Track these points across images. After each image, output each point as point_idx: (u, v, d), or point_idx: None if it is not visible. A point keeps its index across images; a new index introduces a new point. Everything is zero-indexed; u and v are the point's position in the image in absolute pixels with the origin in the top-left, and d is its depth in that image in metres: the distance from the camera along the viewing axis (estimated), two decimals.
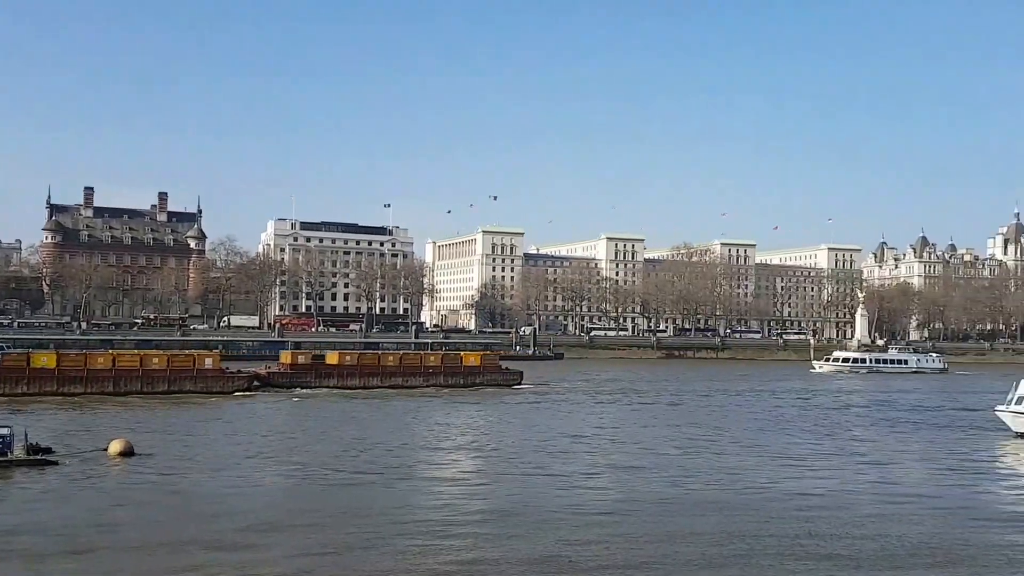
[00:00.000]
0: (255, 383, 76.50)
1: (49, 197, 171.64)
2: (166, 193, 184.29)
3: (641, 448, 46.79)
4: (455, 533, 27.58)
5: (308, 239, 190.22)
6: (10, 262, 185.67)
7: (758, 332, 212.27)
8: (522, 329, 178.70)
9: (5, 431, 37.04)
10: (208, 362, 74.27)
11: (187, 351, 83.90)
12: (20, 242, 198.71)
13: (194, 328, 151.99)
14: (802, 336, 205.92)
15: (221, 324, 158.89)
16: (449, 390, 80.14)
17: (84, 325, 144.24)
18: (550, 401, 74.14)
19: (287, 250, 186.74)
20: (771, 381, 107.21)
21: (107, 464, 38.42)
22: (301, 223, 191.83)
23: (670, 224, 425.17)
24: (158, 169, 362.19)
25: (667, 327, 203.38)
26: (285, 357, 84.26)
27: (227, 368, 77.72)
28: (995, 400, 57.90)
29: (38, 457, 37.04)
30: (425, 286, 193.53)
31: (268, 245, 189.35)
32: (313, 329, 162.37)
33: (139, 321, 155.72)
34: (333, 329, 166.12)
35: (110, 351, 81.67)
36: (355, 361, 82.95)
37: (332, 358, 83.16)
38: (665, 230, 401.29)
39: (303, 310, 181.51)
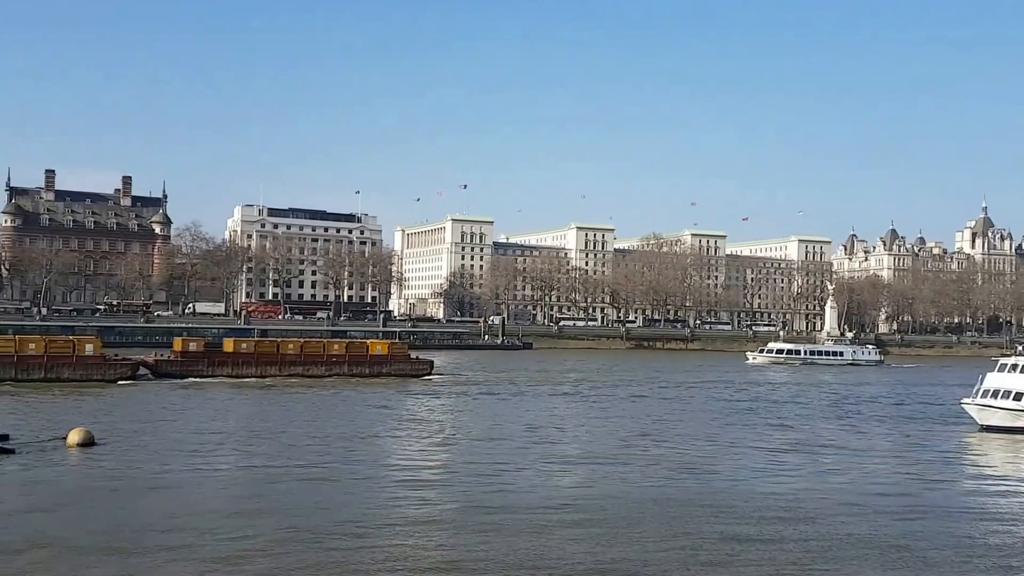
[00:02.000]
0: (140, 371, 72.81)
1: (9, 179, 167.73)
2: (130, 177, 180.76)
3: (493, 439, 45.70)
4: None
5: (276, 226, 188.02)
6: None
7: (728, 324, 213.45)
8: (490, 318, 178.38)
9: None
10: (89, 348, 70.42)
11: (66, 337, 78.81)
12: None
13: (158, 315, 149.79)
14: (772, 328, 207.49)
15: (186, 311, 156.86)
16: (353, 380, 76.67)
17: (44, 311, 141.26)
18: (454, 394, 70.43)
19: (254, 236, 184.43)
20: (708, 371, 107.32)
21: (67, 454, 37.50)
22: (269, 209, 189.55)
23: (640, 214, 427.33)
24: (122, 153, 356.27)
25: (636, 318, 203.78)
26: (177, 344, 79.78)
27: (108, 355, 73.73)
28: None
29: None
30: (393, 274, 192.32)
31: (235, 231, 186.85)
32: (280, 316, 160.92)
33: (102, 307, 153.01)
34: (300, 317, 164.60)
35: None
36: (252, 349, 79.54)
37: (228, 345, 79.91)
38: (635, 220, 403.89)
39: (270, 297, 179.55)
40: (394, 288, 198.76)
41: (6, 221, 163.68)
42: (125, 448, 39.10)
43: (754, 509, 29.99)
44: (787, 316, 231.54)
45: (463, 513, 28.77)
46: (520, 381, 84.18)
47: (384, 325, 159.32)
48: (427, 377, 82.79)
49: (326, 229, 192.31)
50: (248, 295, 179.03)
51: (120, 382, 68.48)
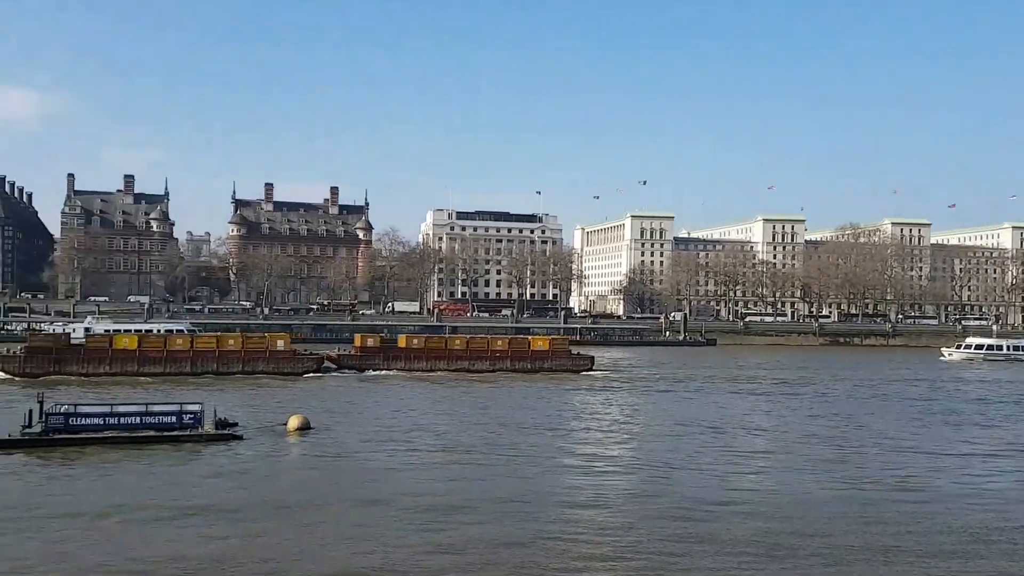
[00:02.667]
0: (325, 365, 79.07)
1: (234, 193, 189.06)
2: (337, 187, 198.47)
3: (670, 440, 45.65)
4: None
5: (463, 228, 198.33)
6: (201, 253, 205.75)
7: (934, 318, 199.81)
8: (672, 315, 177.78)
9: (196, 407, 40.44)
10: (280, 344, 77.55)
11: (260, 334, 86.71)
12: (209, 235, 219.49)
13: (363, 313, 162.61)
14: (983, 322, 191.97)
15: (386, 310, 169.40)
16: (516, 375, 79.01)
17: (266, 311, 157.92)
18: (613, 390, 70.19)
19: (444, 239, 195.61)
20: (903, 368, 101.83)
21: (287, 438, 41.87)
22: (457, 213, 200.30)
23: (833, 204, 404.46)
24: (330, 165, 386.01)
25: (831, 313, 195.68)
26: (357, 340, 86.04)
27: (297, 350, 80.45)
28: None
29: (225, 432, 40.19)
30: (574, 272, 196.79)
31: (427, 234, 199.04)
32: (468, 314, 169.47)
33: (314, 307, 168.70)
34: (486, 314, 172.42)
35: (188, 335, 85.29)
36: (422, 345, 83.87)
37: (401, 341, 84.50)
38: (827, 210, 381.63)
39: (459, 296, 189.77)
40: (574, 285, 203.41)
41: (233, 231, 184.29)
42: (338, 433, 43.65)
43: (953, 516, 29.50)
44: (1000, 309, 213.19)
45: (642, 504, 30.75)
46: (700, 377, 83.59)
47: (565, 322, 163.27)
48: (588, 372, 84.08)
49: (509, 230, 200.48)
50: (439, 294, 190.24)
51: (307, 375, 74.85)
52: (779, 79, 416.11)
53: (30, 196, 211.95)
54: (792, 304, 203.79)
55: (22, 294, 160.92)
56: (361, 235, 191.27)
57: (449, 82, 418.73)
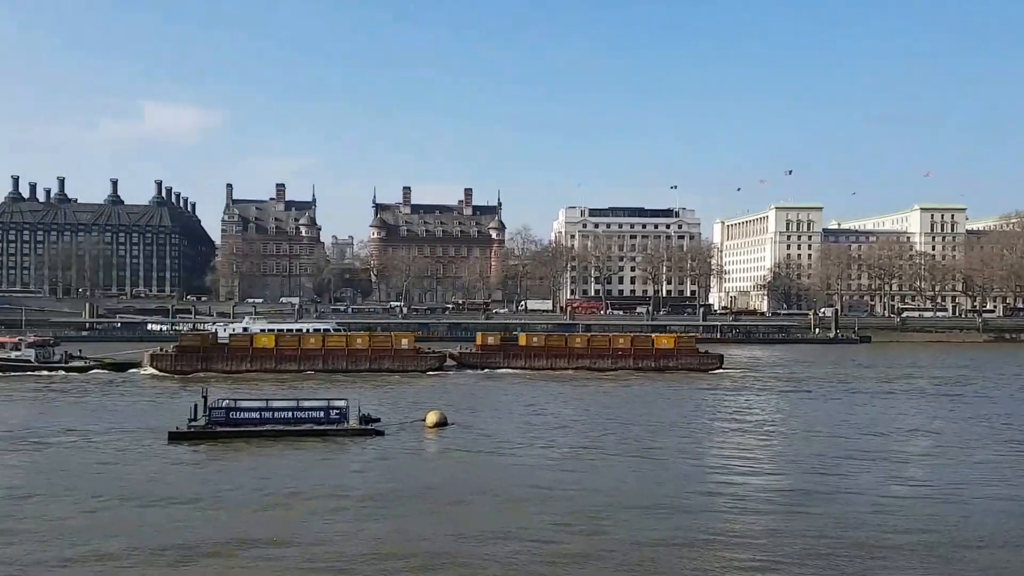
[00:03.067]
0: (447, 363, 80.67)
1: (375, 197, 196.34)
2: (471, 189, 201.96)
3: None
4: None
5: (596, 224, 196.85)
6: (345, 256, 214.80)
7: None
8: (821, 311, 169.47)
9: (342, 403, 42.49)
10: (404, 342, 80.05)
11: (385, 333, 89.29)
12: (352, 238, 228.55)
13: (496, 312, 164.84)
14: None
15: (519, 308, 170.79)
16: (639, 373, 77.37)
17: (405, 310, 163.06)
18: (745, 390, 67.44)
19: (577, 236, 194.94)
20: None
21: (426, 434, 42.97)
22: (589, 210, 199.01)
23: (996, 190, 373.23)
24: (467, 166, 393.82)
25: (995, 307, 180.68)
26: (478, 339, 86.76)
27: (421, 348, 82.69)
28: None
29: (368, 427, 41.80)
30: (713, 267, 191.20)
31: (559, 232, 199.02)
32: (602, 312, 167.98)
33: (450, 306, 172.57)
34: (620, 312, 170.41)
35: (321, 334, 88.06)
36: (542, 343, 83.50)
37: (522, 340, 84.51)
38: (990, 197, 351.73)
39: (592, 294, 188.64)
40: (714, 281, 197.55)
41: (374, 234, 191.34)
42: (475, 429, 44.36)
43: None
44: None
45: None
46: (850, 377, 79.18)
47: (704, 319, 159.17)
48: (716, 371, 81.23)
49: (644, 225, 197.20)
50: (572, 292, 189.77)
51: (429, 372, 76.99)
52: (928, 53, 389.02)
53: (194, 206, 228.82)
54: (953, 299, 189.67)
55: (188, 297, 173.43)
56: (494, 235, 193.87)
57: (580, 81, 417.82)
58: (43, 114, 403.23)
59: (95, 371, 74.30)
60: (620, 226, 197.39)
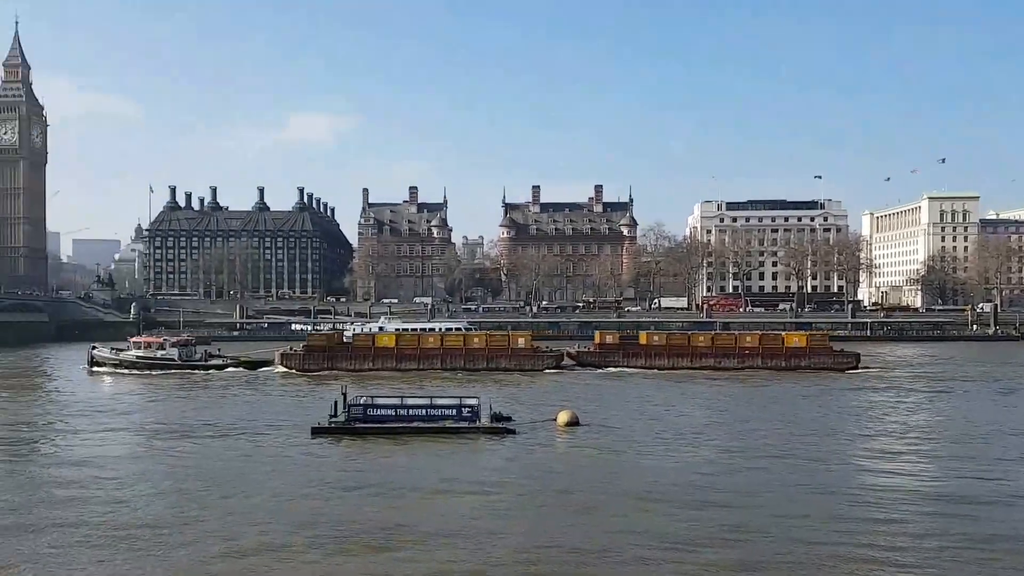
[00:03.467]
0: (565, 361, 79.53)
1: (504, 197, 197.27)
2: (601, 186, 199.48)
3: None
4: None
5: (735, 219, 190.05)
6: (475, 256, 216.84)
7: None
8: (979, 306, 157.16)
9: (474, 402, 42.94)
10: (520, 341, 79.62)
11: (503, 332, 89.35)
12: (482, 238, 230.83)
13: (628, 310, 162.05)
14: None
15: (652, 306, 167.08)
16: (768, 373, 73.84)
17: (535, 309, 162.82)
18: (886, 390, 62.87)
19: (713, 231, 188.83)
20: None
21: (558, 432, 42.49)
22: (727, 203, 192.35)
23: None
24: (596, 164, 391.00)
25: None
26: (597, 337, 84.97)
27: (537, 347, 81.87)
28: None
29: (500, 425, 41.86)
30: (861, 261, 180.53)
31: (695, 228, 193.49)
32: (741, 309, 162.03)
33: (580, 304, 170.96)
34: (761, 309, 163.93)
35: (438, 333, 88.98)
36: (663, 341, 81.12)
37: (642, 338, 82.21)
38: None
39: (730, 290, 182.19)
40: (863, 276, 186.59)
41: (503, 233, 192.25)
42: (607, 429, 43.29)
43: None
44: None
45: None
46: (1010, 377, 72.53)
47: (852, 316, 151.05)
48: (852, 371, 76.31)
49: (786, 219, 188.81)
50: (709, 289, 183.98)
51: (547, 371, 76.21)
52: None
53: (332, 210, 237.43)
54: None
55: (328, 298, 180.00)
56: (625, 231, 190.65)
57: (714, 73, 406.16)
58: (200, 127, 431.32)
59: (230, 369, 77.93)
60: (760, 219, 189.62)
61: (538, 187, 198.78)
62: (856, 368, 77.79)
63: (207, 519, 26.53)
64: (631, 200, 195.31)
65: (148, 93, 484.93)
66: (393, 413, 41.93)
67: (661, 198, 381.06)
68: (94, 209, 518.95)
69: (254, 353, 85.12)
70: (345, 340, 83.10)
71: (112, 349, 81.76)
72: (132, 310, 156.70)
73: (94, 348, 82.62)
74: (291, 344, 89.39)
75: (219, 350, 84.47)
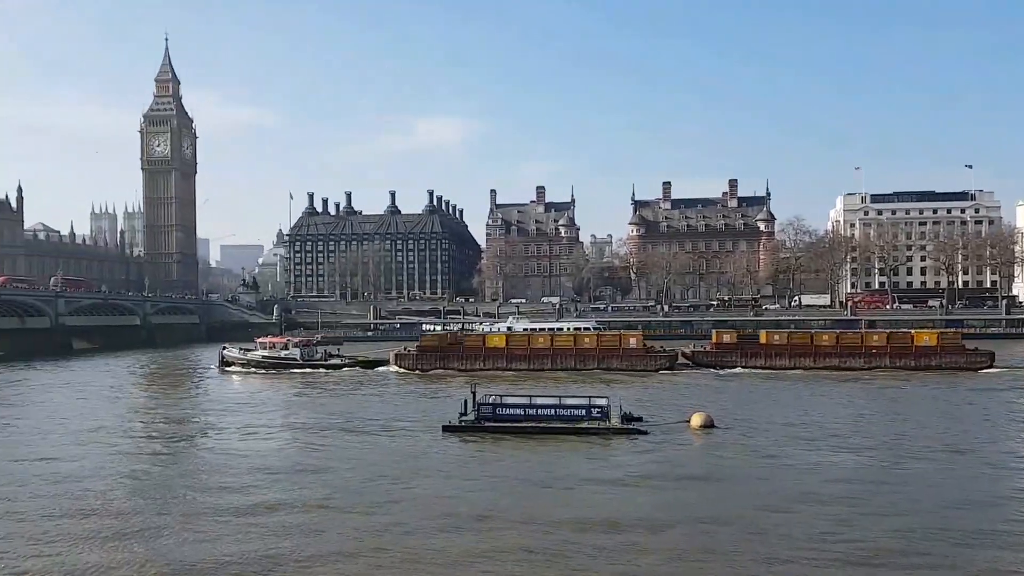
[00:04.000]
0: (678, 362, 77.65)
1: (633, 194, 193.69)
2: (735, 180, 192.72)
3: None
4: None
5: (879, 212, 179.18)
6: (603, 254, 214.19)
7: None
8: None
9: (603, 402, 42.46)
10: (632, 341, 78.03)
11: (614, 332, 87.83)
12: (611, 236, 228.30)
13: (766, 308, 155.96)
14: None
15: (792, 303, 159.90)
16: (896, 372, 70.86)
17: (666, 308, 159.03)
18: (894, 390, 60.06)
19: (857, 225, 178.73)
20: None
21: (691, 435, 41.47)
22: (871, 196, 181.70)
23: None
24: (729, 158, 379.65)
25: None
26: (714, 336, 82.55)
27: (650, 347, 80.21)
28: None
29: (631, 426, 41.33)
30: (1016, 255, 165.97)
31: (837, 222, 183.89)
32: (887, 307, 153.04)
33: (714, 303, 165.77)
34: (909, 306, 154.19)
35: (549, 333, 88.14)
36: (784, 341, 77.96)
37: (763, 337, 79.57)
38: None
39: (876, 286, 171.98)
40: (1017, 271, 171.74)
41: (632, 231, 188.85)
42: (743, 432, 41.58)
43: None
44: None
45: None
46: None
47: (1007, 312, 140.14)
48: (986, 371, 71.75)
49: (934, 211, 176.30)
50: (853, 285, 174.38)
51: (661, 371, 74.38)
52: None
53: (461, 212, 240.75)
54: None
55: (457, 298, 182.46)
56: (762, 227, 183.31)
57: (857, 55, 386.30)
58: (335, 135, 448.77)
59: (347, 369, 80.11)
60: (907, 212, 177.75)
61: (668, 183, 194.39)
62: (991, 367, 73.57)
63: (375, 511, 27.41)
64: (768, 194, 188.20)
65: (287, 104, 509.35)
66: (522, 412, 42.00)
67: (799, 192, 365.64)
68: (239, 215, 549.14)
69: (371, 353, 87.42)
70: (456, 340, 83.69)
71: (241, 349, 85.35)
72: (274, 312, 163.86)
73: (224, 348, 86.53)
74: (404, 345, 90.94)
75: (339, 350, 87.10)
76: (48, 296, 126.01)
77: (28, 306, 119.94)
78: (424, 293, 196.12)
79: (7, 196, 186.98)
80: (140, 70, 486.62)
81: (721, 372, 74.06)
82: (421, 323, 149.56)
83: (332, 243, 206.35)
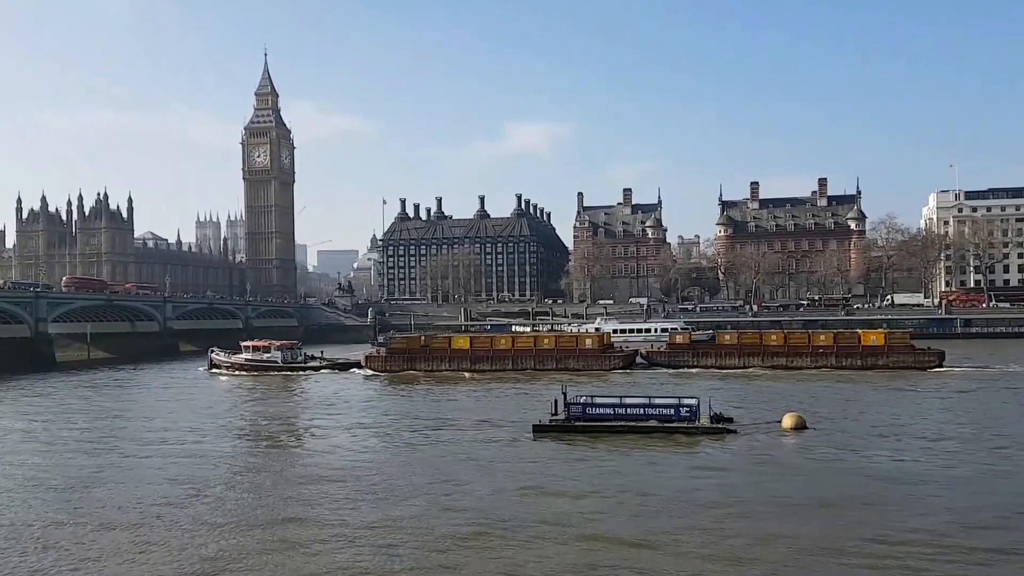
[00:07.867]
0: (635, 361, 79.69)
1: (721, 195, 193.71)
2: (825, 178, 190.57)
3: None
4: None
5: (974, 208, 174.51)
6: (691, 255, 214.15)
7: None
8: None
9: (693, 401, 42.35)
10: (588, 343, 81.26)
11: (571, 333, 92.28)
12: (698, 237, 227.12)
13: (857, 307, 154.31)
14: None
15: (884, 302, 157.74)
16: (841, 372, 71.82)
17: (755, 308, 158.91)
18: (985, 391, 58.57)
19: (951, 222, 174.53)
20: None
21: (782, 436, 41.20)
22: (965, 192, 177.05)
23: None
24: (818, 157, 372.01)
25: None
26: (669, 338, 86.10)
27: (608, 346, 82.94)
28: None
29: (720, 426, 41.46)
30: None
31: (930, 219, 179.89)
32: (983, 305, 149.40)
33: (804, 302, 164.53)
34: (1007, 304, 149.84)
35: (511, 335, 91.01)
36: (735, 340, 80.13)
37: (717, 338, 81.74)
38: None
39: (971, 285, 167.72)
40: None
41: (720, 231, 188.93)
42: (837, 434, 41.41)
43: None
44: None
45: None
46: None
47: None
48: (935, 370, 72.56)
49: None
50: (947, 283, 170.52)
51: (614, 371, 76.30)
52: None
53: (549, 215, 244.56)
54: None
55: (545, 300, 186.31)
56: (853, 225, 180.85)
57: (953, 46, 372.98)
58: (425, 141, 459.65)
59: (325, 371, 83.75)
60: (1003, 209, 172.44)
61: (756, 183, 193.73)
62: (940, 367, 73.75)
63: (476, 507, 28.38)
64: (858, 192, 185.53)
65: (381, 113, 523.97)
66: (611, 412, 42.47)
67: (889, 190, 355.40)
68: (335, 222, 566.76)
69: (341, 358, 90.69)
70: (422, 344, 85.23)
71: (227, 352, 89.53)
72: (369, 315, 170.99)
73: (212, 351, 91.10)
74: (376, 347, 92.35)
75: (322, 352, 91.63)
76: (157, 302, 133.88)
77: (138, 311, 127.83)
78: (513, 295, 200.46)
79: (119, 206, 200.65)
80: (242, 85, 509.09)
81: (671, 372, 75.82)
82: (511, 324, 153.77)
83: (424, 247, 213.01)
